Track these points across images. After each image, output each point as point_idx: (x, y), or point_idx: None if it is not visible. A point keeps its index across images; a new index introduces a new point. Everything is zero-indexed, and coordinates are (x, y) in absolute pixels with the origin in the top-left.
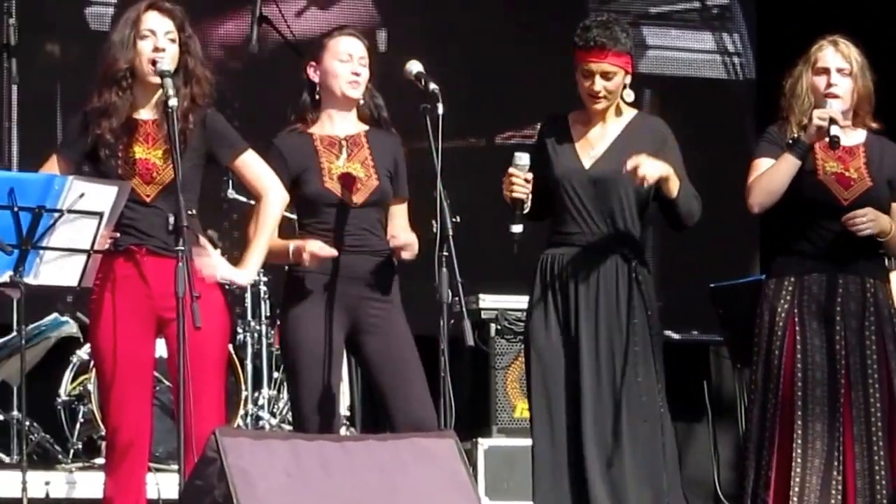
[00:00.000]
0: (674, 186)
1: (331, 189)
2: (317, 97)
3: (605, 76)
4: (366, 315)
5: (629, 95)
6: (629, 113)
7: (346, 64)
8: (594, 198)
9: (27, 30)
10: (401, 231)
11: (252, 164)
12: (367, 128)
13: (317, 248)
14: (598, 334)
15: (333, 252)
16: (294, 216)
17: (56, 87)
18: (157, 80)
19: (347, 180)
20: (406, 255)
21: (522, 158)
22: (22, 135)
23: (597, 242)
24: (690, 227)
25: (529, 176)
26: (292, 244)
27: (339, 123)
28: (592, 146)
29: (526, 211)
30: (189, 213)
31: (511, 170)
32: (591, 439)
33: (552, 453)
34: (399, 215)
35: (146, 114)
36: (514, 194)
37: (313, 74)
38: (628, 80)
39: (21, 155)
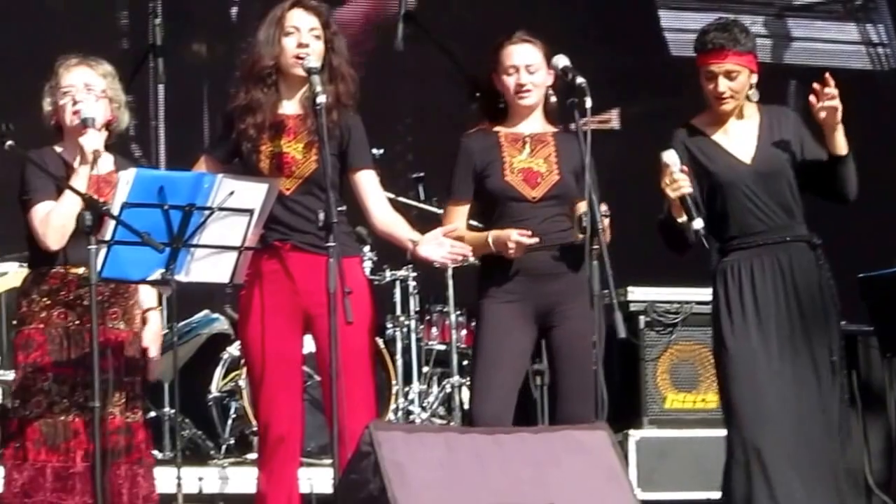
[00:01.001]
0: (843, 139)
1: (510, 183)
2: (500, 105)
3: (729, 76)
4: (556, 309)
5: (755, 95)
6: (753, 107)
7: (513, 76)
8: (766, 191)
9: (173, 30)
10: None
11: (371, 183)
12: (555, 129)
13: (517, 235)
14: (796, 329)
15: (535, 239)
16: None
17: (202, 86)
18: (302, 76)
19: (528, 175)
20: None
21: (671, 156)
22: (169, 134)
23: (781, 235)
24: (853, 198)
25: (685, 168)
26: (491, 235)
27: (523, 122)
28: (742, 143)
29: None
30: (339, 209)
31: (668, 170)
32: (793, 436)
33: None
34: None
35: (290, 109)
36: (682, 191)
37: (498, 84)
38: (754, 79)
39: (168, 154)
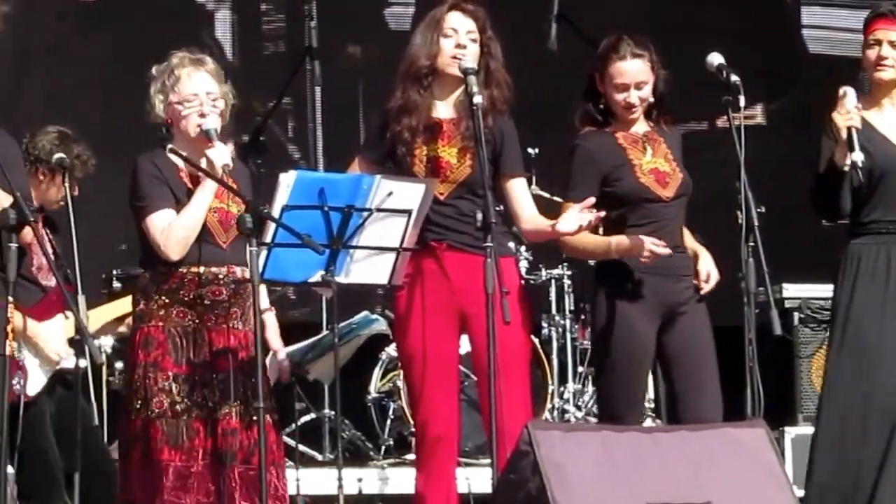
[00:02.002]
0: None
1: (645, 184)
2: (601, 105)
3: (893, 45)
4: (676, 310)
5: None
6: None
7: (622, 93)
8: None
9: (328, 32)
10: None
11: (522, 190)
12: (651, 125)
13: (651, 244)
14: None
15: (668, 250)
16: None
17: (358, 87)
18: (457, 78)
19: (658, 175)
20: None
21: (852, 92)
22: (326, 135)
23: None
24: None
25: (859, 106)
26: (614, 241)
27: (626, 125)
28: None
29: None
30: (497, 209)
31: (844, 100)
32: None
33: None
34: None
35: (445, 112)
36: (853, 122)
37: (599, 85)
38: None
39: (326, 155)
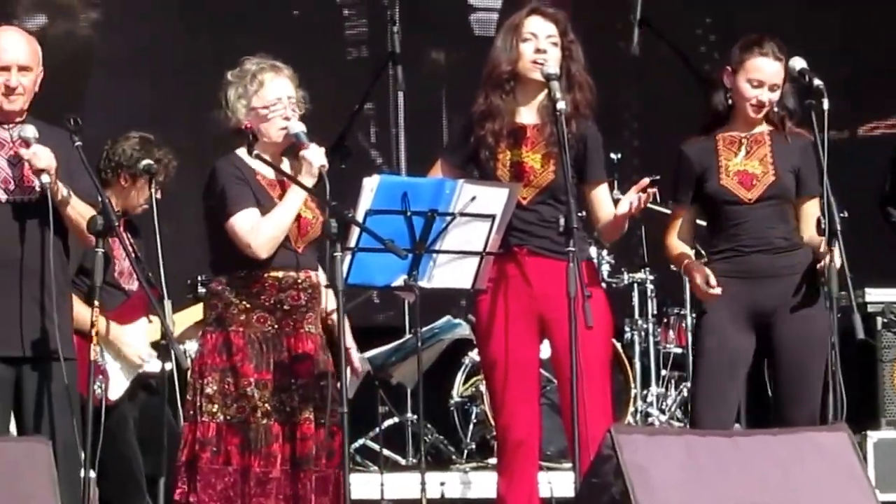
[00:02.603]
0: None
1: (726, 186)
2: (728, 100)
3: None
4: (776, 311)
5: None
6: None
7: (755, 89)
8: None
9: (412, 37)
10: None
11: (604, 196)
12: (769, 128)
13: (707, 287)
14: None
15: (717, 291)
16: None
17: (441, 92)
18: (539, 82)
19: (743, 177)
20: None
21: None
22: (409, 140)
23: None
24: None
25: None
26: (685, 265)
27: (745, 125)
28: None
29: None
30: (579, 214)
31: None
32: None
33: None
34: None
35: (528, 118)
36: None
37: (727, 80)
38: None
39: (409, 160)
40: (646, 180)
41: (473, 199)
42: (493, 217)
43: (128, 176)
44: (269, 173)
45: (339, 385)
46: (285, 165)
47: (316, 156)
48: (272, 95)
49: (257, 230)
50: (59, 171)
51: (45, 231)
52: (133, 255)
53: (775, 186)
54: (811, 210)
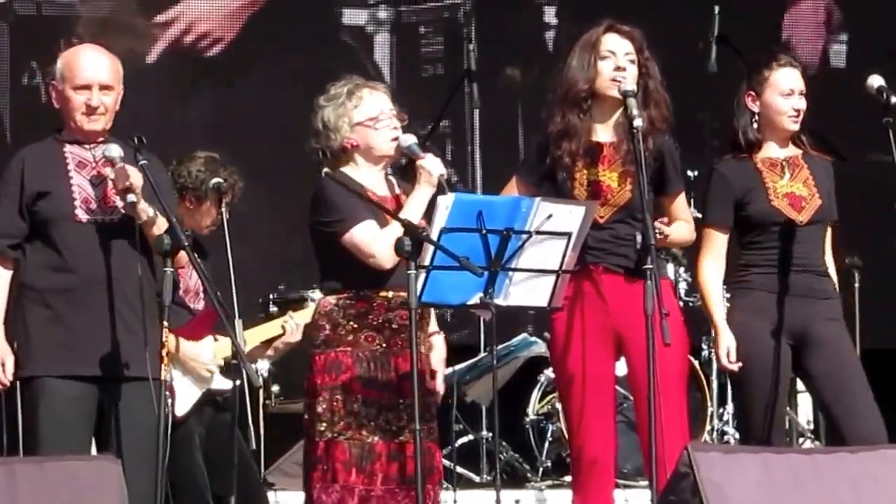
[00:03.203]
0: None
1: (777, 207)
2: (754, 124)
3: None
4: (811, 332)
5: None
6: None
7: (789, 99)
8: None
9: (487, 54)
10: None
11: (682, 207)
12: (799, 151)
13: (729, 360)
14: None
15: (736, 368)
16: None
17: (516, 110)
18: (616, 100)
19: (793, 199)
20: None
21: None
22: (484, 158)
23: None
24: None
25: None
26: (718, 320)
27: (778, 147)
28: None
29: None
30: (657, 233)
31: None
32: None
33: None
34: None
35: (604, 136)
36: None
37: (752, 105)
38: None
39: (484, 177)
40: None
41: (550, 216)
42: (569, 235)
43: (193, 198)
44: (380, 190)
45: (419, 402)
46: (395, 185)
47: (435, 164)
48: (375, 108)
49: (379, 239)
50: (144, 190)
51: (130, 251)
52: (202, 273)
53: (822, 210)
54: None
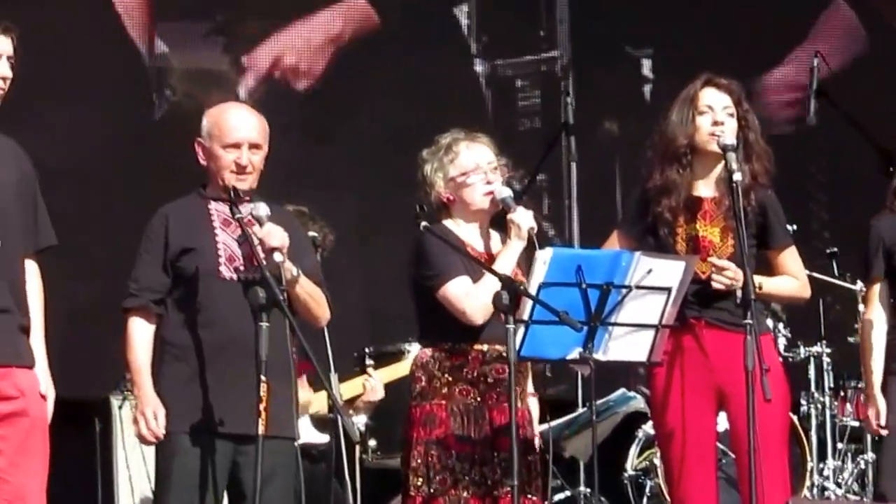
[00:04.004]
0: None
1: None
2: None
3: None
4: None
5: None
6: None
7: None
8: None
9: (584, 107)
10: None
11: (793, 259)
12: None
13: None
14: None
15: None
16: None
17: (614, 163)
18: (716, 154)
19: None
20: None
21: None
22: (582, 211)
23: None
24: None
25: None
26: (874, 380)
27: None
28: None
29: None
30: (757, 287)
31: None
32: None
33: None
34: None
35: (705, 191)
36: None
37: None
38: None
39: (581, 231)
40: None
41: (650, 271)
42: (669, 290)
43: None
44: (478, 244)
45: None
46: (495, 239)
47: (525, 218)
48: (470, 162)
49: (471, 296)
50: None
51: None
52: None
53: None
54: None
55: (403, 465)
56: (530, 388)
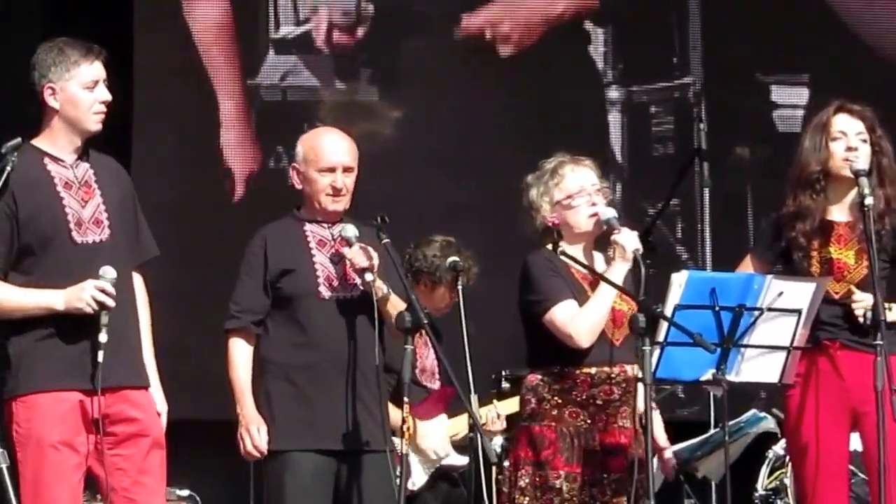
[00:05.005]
0: None
1: None
2: None
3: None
4: None
5: None
6: None
7: None
8: None
9: (717, 134)
10: None
11: None
12: None
13: None
14: None
15: None
16: None
17: (745, 188)
18: (850, 179)
19: None
20: None
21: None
22: (714, 236)
23: None
24: None
25: None
26: None
27: None
28: None
29: None
30: (885, 306)
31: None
32: None
33: None
34: None
35: (839, 215)
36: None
37: None
38: None
39: (713, 255)
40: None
41: (781, 294)
42: (799, 312)
43: (429, 282)
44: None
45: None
46: (599, 260)
47: (629, 239)
48: (574, 185)
49: (577, 320)
50: (380, 268)
51: (368, 327)
52: (438, 351)
53: None
54: None
55: (508, 486)
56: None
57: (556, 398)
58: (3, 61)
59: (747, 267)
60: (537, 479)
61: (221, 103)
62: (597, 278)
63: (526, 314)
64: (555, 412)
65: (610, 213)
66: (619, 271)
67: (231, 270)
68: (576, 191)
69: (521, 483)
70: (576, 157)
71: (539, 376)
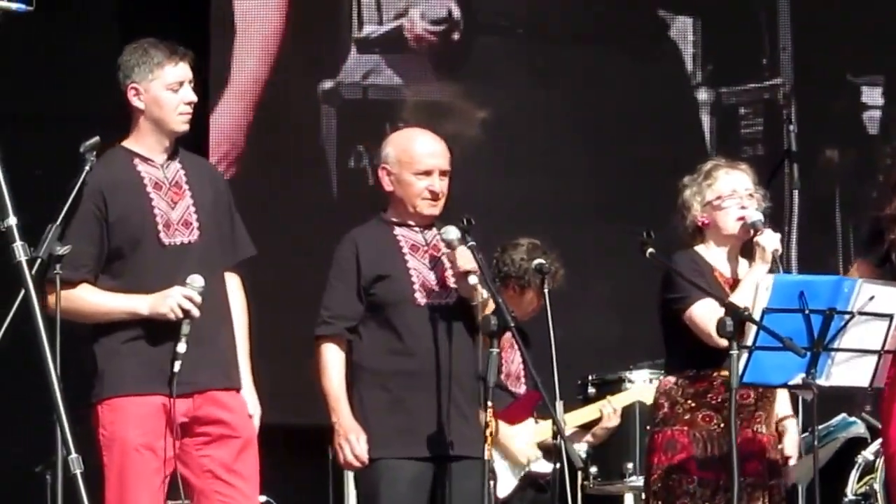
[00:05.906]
0: None
1: None
2: None
3: None
4: None
5: None
6: None
7: None
8: None
9: (806, 135)
10: None
11: None
12: None
13: None
14: None
15: None
16: None
17: (835, 191)
18: None
19: None
20: None
21: None
22: (801, 238)
23: None
24: None
25: None
26: None
27: None
28: None
29: None
30: None
31: None
32: None
33: None
34: None
35: None
36: None
37: None
38: None
39: (799, 258)
40: None
41: (872, 298)
42: (891, 316)
43: (517, 286)
44: (726, 270)
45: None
46: (743, 266)
47: (770, 241)
48: (726, 188)
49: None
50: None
51: (464, 333)
52: (524, 355)
53: None
54: None
55: (645, 490)
56: (787, 409)
57: (689, 402)
58: (81, 68)
59: (855, 272)
60: (671, 483)
61: (296, 103)
62: (727, 281)
63: (665, 312)
64: (687, 416)
65: (756, 215)
66: (759, 272)
67: (305, 271)
68: (727, 193)
69: (655, 488)
70: (732, 161)
71: (673, 380)
